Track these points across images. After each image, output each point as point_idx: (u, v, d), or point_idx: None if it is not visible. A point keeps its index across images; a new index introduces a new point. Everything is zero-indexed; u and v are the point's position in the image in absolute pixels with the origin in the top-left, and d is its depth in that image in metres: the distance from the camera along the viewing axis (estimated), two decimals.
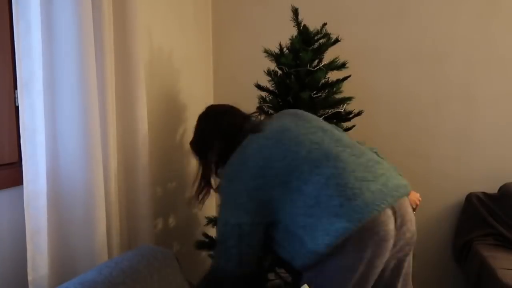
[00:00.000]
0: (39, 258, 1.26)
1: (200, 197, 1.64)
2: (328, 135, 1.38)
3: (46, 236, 1.27)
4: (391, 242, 1.26)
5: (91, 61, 1.32)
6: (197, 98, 2.41)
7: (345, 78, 1.92)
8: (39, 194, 1.26)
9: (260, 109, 1.92)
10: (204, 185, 1.62)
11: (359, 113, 1.90)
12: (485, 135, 2.25)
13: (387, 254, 1.27)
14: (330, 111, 1.85)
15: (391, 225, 1.25)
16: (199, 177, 1.62)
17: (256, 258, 1.38)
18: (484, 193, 2.21)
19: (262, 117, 1.86)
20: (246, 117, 1.55)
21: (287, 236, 1.31)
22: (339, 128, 1.54)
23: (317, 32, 1.88)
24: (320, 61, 1.88)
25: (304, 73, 1.82)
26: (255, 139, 1.39)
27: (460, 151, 2.28)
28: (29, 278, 1.24)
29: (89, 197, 1.34)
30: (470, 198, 2.22)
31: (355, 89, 2.08)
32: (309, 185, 1.26)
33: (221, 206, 1.42)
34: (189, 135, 2.34)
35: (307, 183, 1.26)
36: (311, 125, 1.42)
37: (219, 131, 1.52)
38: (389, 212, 1.26)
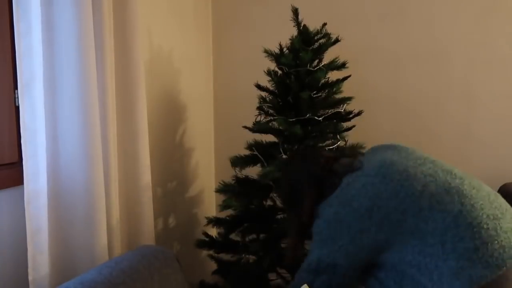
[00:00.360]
0: (39, 258, 1.26)
1: (295, 253, 1.43)
2: (438, 165, 1.24)
3: (46, 236, 1.27)
4: None
5: (91, 61, 1.32)
6: (197, 98, 2.41)
7: (345, 78, 1.92)
8: (39, 194, 1.27)
9: (260, 109, 1.93)
10: (298, 240, 1.42)
11: (359, 113, 1.90)
12: (485, 135, 2.25)
13: None
14: (330, 111, 1.85)
15: None
16: (292, 234, 1.43)
17: None
18: None
19: (263, 118, 1.84)
20: (334, 157, 1.38)
21: (395, 275, 1.18)
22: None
23: (317, 32, 1.89)
24: (320, 61, 1.88)
25: (304, 73, 1.82)
26: (356, 178, 1.23)
27: (460, 151, 2.28)
28: (30, 277, 1.24)
29: (90, 197, 1.34)
30: None
31: (355, 89, 2.08)
32: (430, 223, 1.12)
33: (315, 243, 1.25)
34: (189, 135, 2.35)
35: (427, 221, 1.13)
36: (416, 156, 1.27)
37: (308, 177, 1.34)
38: None
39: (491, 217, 1.13)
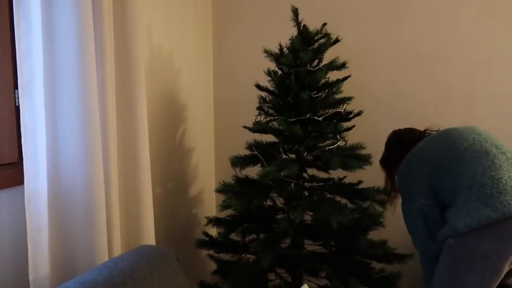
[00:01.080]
0: (40, 258, 1.26)
1: (394, 201, 1.85)
2: (490, 138, 1.54)
3: (47, 235, 1.28)
4: None
5: (91, 61, 1.32)
6: (197, 98, 2.41)
7: (345, 78, 1.92)
8: (39, 193, 1.27)
9: (260, 109, 1.93)
10: (394, 191, 1.81)
11: (359, 113, 1.90)
12: None
13: None
14: (330, 111, 1.85)
15: None
16: (390, 187, 1.83)
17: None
18: None
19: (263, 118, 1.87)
20: (422, 132, 1.76)
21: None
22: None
23: (317, 32, 1.89)
24: (320, 61, 1.88)
25: (304, 73, 1.82)
26: (424, 140, 1.64)
27: None
28: (30, 277, 1.24)
29: (90, 196, 1.34)
30: None
31: (355, 89, 2.08)
32: (468, 171, 1.43)
33: (403, 201, 1.64)
34: (189, 135, 2.35)
35: (466, 169, 1.44)
36: (476, 128, 1.59)
37: (403, 146, 1.73)
38: None
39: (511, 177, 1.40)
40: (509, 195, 1.35)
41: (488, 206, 1.35)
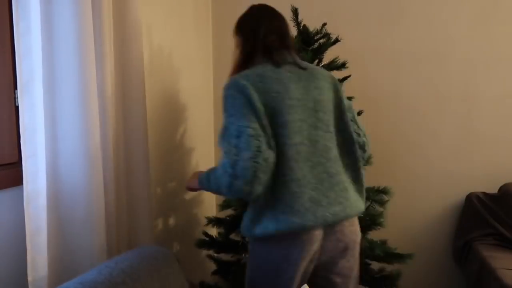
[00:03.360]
0: (39, 258, 1.26)
1: None
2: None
3: (46, 236, 1.27)
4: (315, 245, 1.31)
5: (91, 61, 1.32)
6: (197, 98, 2.41)
7: (345, 78, 1.92)
8: (39, 194, 1.27)
9: None
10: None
11: (359, 113, 1.90)
12: (485, 135, 2.25)
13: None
14: None
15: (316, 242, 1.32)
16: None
17: None
18: (484, 193, 2.21)
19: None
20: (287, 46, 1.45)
21: None
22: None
23: (317, 32, 1.88)
24: (320, 61, 1.88)
25: None
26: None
27: (460, 151, 2.28)
28: (29, 278, 1.24)
29: (89, 197, 1.34)
30: (470, 198, 2.22)
31: (355, 89, 2.08)
32: None
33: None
34: (189, 135, 2.34)
35: None
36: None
37: (258, 39, 1.44)
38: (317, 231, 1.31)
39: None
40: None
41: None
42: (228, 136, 1.28)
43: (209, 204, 2.57)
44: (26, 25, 1.22)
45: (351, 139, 1.41)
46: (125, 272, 1.19)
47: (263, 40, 1.42)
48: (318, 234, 1.30)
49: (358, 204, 1.38)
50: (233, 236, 1.97)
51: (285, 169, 1.27)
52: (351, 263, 1.41)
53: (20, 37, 1.20)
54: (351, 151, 1.41)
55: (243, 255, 1.97)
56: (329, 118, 1.38)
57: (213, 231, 2.19)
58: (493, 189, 2.23)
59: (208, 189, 1.38)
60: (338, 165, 1.37)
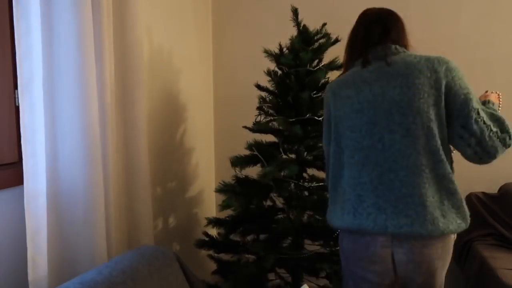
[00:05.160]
0: (39, 258, 1.26)
1: None
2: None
3: (46, 235, 1.27)
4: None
5: (91, 61, 1.32)
6: (197, 98, 2.41)
7: None
8: (39, 193, 1.27)
9: (260, 109, 1.93)
10: None
11: None
12: None
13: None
14: None
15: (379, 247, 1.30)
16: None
17: None
18: (484, 193, 2.21)
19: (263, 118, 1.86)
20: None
21: None
22: None
23: (317, 32, 1.88)
24: (320, 61, 1.88)
25: (304, 73, 1.82)
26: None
27: None
28: (29, 278, 1.24)
29: (89, 196, 1.34)
30: (470, 198, 2.22)
31: None
32: None
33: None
34: (189, 135, 2.34)
35: None
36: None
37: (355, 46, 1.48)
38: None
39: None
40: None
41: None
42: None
43: (209, 204, 2.57)
44: (26, 25, 1.22)
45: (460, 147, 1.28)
46: (125, 272, 1.19)
47: (363, 39, 1.43)
48: (383, 240, 1.27)
49: (437, 223, 1.22)
50: (233, 236, 1.97)
51: (354, 172, 1.31)
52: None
53: (20, 37, 1.20)
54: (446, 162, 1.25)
55: (243, 255, 1.97)
56: (412, 120, 1.23)
57: (213, 231, 2.19)
58: (493, 189, 2.23)
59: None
60: (418, 175, 1.23)
